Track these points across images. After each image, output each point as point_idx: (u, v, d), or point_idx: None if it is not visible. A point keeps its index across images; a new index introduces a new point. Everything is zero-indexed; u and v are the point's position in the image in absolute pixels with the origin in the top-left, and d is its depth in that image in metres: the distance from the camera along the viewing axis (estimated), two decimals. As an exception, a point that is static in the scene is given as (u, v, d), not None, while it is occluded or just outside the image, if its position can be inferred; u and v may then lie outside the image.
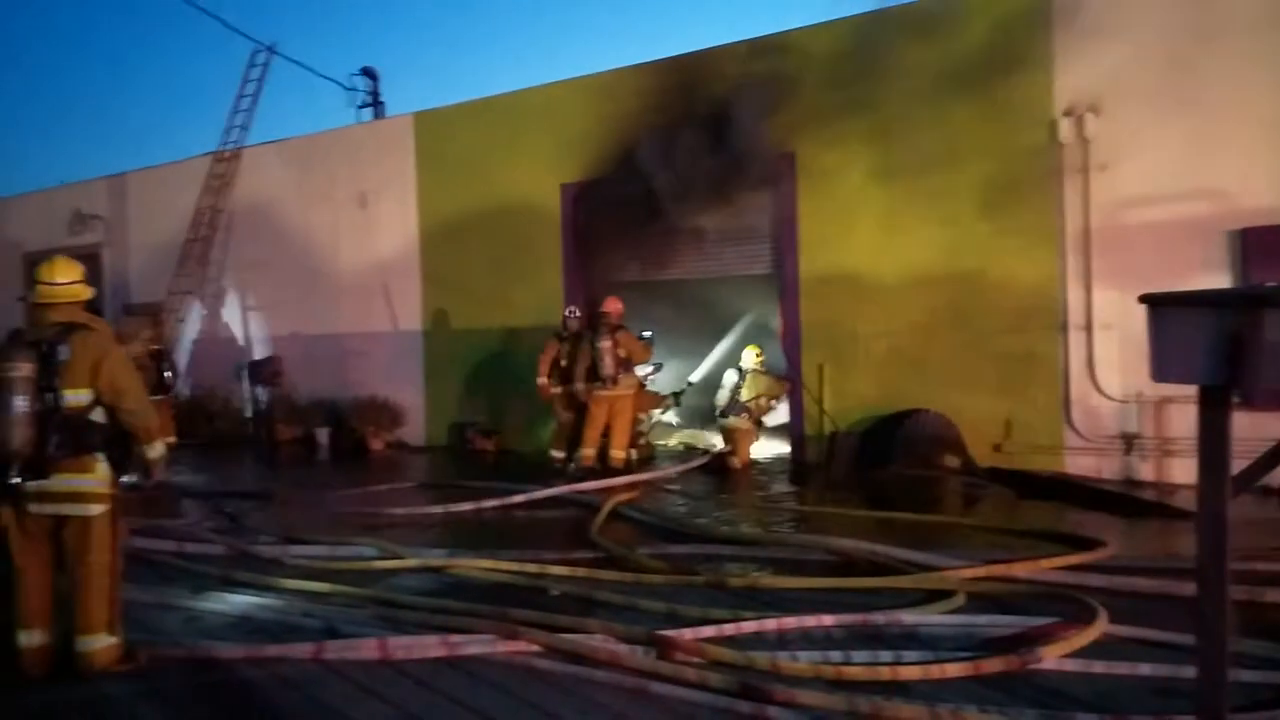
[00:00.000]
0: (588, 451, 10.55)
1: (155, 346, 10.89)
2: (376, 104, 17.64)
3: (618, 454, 10.44)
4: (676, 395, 12.40)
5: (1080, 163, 9.31)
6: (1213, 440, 2.23)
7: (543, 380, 10.83)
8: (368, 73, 17.74)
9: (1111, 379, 9.17)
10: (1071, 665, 4.18)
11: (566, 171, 12.42)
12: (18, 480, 4.11)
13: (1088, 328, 9.29)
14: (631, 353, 10.46)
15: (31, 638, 4.28)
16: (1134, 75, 9.07)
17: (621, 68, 12.22)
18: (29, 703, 4.04)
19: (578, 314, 10.99)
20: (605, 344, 10.34)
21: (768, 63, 10.89)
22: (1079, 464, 9.31)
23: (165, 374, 11.08)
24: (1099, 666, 4.16)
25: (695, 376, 13.12)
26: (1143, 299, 2.33)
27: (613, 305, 10.68)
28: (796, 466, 10.83)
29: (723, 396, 10.98)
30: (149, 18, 76.99)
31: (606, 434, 10.51)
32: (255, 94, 16.49)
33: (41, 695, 4.11)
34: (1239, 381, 2.13)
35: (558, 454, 10.84)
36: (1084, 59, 9.28)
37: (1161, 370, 2.30)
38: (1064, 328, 9.42)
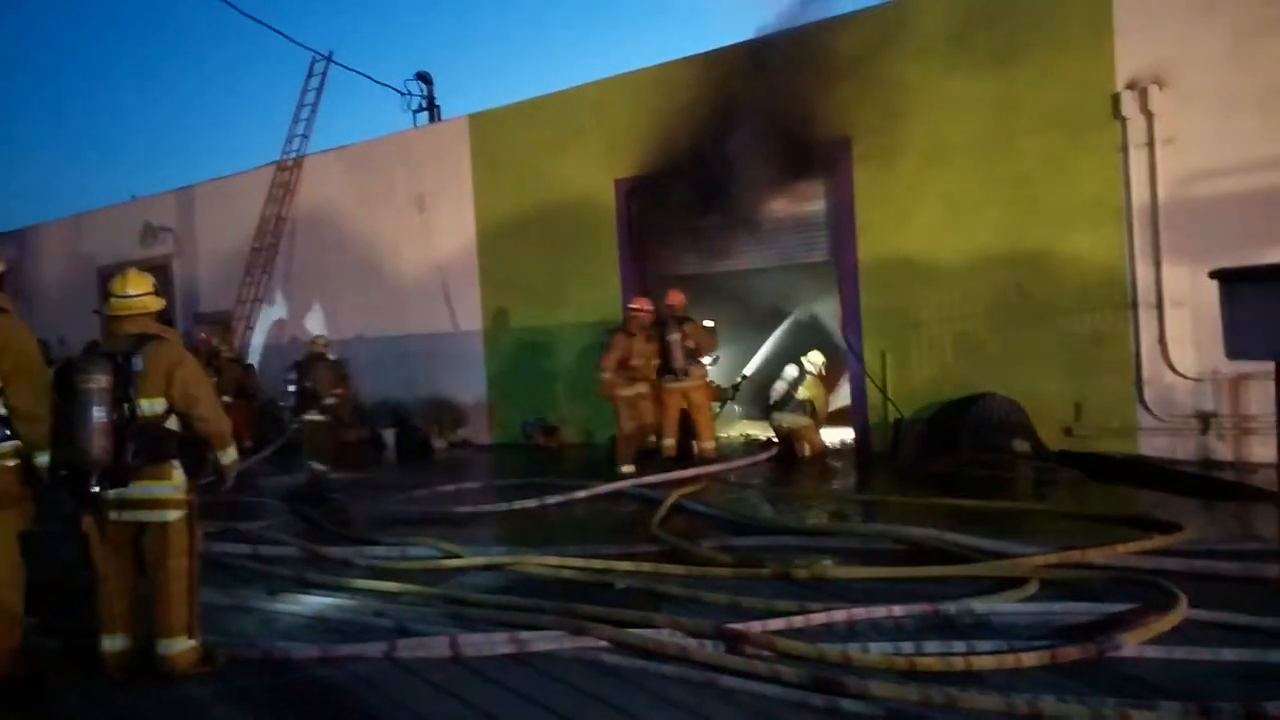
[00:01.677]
0: (668, 442, 10.56)
1: (230, 355, 11.14)
2: (432, 108, 17.78)
3: (707, 444, 10.43)
4: (734, 388, 12.33)
5: (1145, 136, 9.07)
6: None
7: (608, 375, 10.36)
8: (422, 77, 17.87)
9: (1185, 357, 8.92)
10: (1152, 652, 4.08)
11: (620, 167, 12.42)
12: (98, 489, 4.23)
13: (1158, 305, 9.05)
14: (700, 343, 10.45)
15: (114, 642, 4.40)
16: (1199, 44, 8.80)
17: (672, 60, 12.19)
18: (113, 706, 4.16)
19: (647, 308, 10.56)
20: (674, 336, 10.28)
21: (820, 46, 10.78)
22: (1153, 445, 9.08)
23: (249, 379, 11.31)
24: (1180, 653, 4.05)
25: (749, 369, 13.03)
26: (1214, 274, 2.25)
27: (675, 297, 10.66)
28: (861, 455, 10.72)
29: (779, 389, 10.88)
30: (209, 33, 78.72)
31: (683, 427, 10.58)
32: (314, 103, 16.77)
33: (125, 698, 4.22)
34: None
35: (627, 469, 9.95)
36: (1146, 30, 9.03)
37: (1236, 346, 2.23)
38: (1133, 305, 9.19)
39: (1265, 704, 3.41)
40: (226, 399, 11.77)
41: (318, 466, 10.09)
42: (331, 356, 10.72)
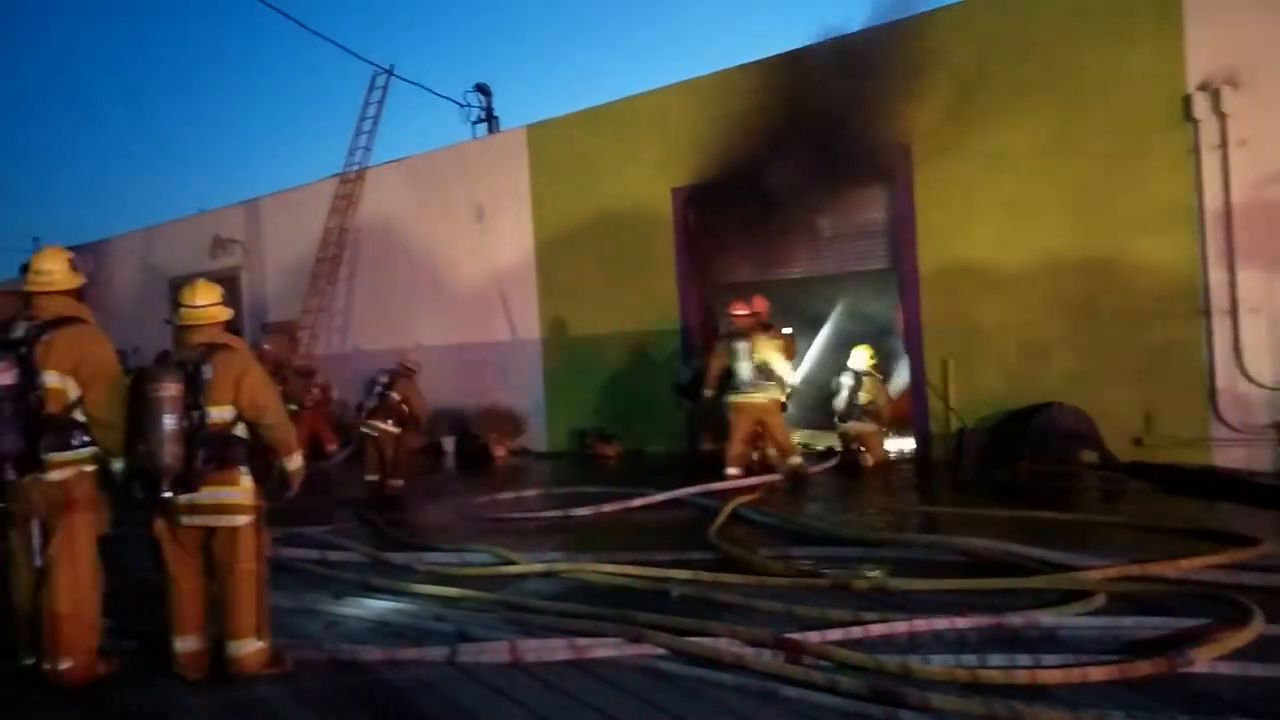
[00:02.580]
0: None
1: (297, 365, 11.35)
2: (491, 119, 18.02)
3: (793, 461, 9.91)
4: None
5: (1218, 138, 8.85)
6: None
7: (709, 392, 10.16)
8: (481, 89, 18.14)
9: (1261, 365, 8.67)
10: (1225, 668, 3.97)
11: (677, 175, 12.45)
12: (169, 494, 4.34)
13: (1233, 311, 8.81)
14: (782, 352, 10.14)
15: (186, 643, 4.51)
16: (1273, 43, 8.57)
17: (730, 67, 12.19)
18: (186, 705, 4.26)
19: (750, 312, 10.11)
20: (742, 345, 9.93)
21: (879, 53, 10.70)
22: (1228, 456, 8.82)
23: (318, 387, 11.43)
24: (1256, 669, 3.93)
25: (795, 378, 12.82)
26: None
27: (759, 304, 10.41)
28: (922, 465, 10.59)
29: (840, 401, 10.79)
30: (276, 50, 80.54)
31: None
32: (376, 115, 17.07)
33: (197, 698, 4.33)
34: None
35: (733, 471, 9.77)
36: (1218, 29, 8.82)
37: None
38: (1206, 312, 8.96)
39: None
40: (293, 407, 12.02)
41: (395, 482, 10.29)
42: (413, 369, 10.84)
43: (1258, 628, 4.21)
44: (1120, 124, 9.35)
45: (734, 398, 9.86)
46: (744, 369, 9.78)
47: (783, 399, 9.98)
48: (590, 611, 5.09)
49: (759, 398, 9.79)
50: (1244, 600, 4.57)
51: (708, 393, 10.19)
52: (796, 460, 9.95)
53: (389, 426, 10.26)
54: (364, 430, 10.39)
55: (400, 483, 10.29)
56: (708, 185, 12.14)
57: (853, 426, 10.65)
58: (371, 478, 10.32)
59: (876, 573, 5.77)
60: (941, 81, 10.21)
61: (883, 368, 11.12)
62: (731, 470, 9.77)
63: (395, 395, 10.26)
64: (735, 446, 9.90)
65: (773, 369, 9.82)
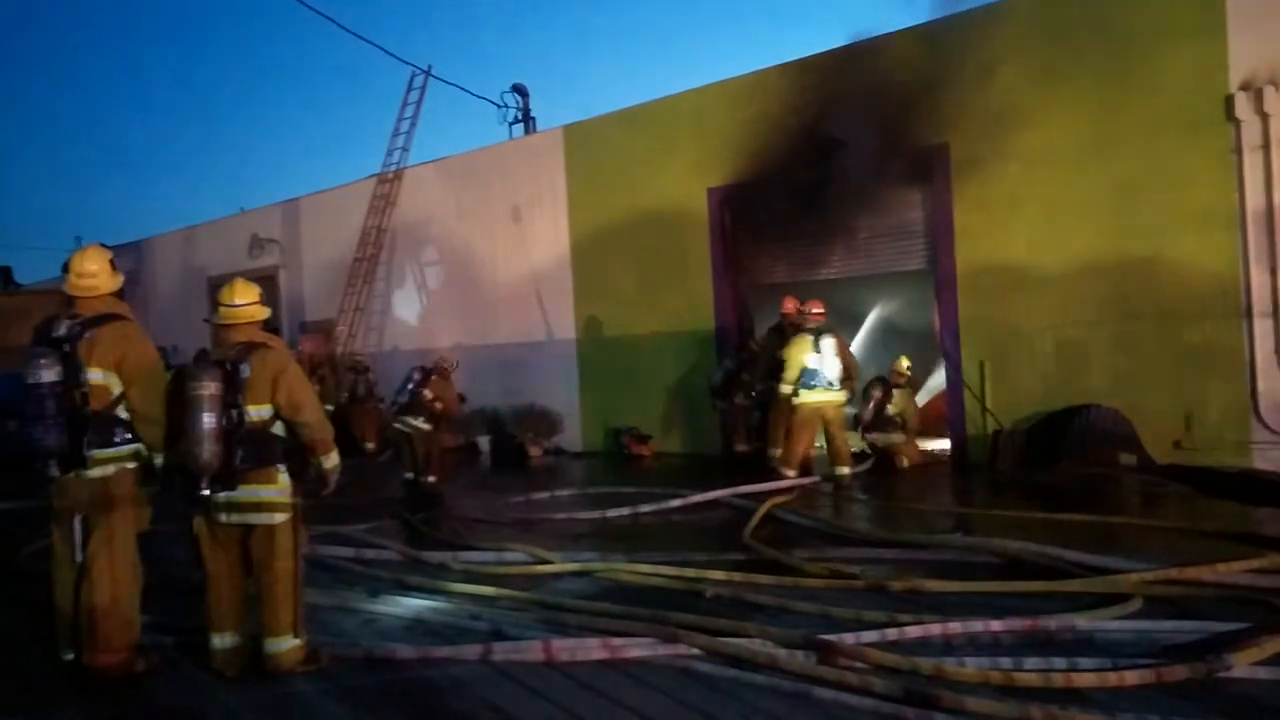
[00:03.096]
0: (776, 452, 10.26)
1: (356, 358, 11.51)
2: (527, 119, 18.10)
3: (842, 470, 9.66)
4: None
5: (1260, 139, 8.71)
6: None
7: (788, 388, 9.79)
8: (518, 90, 18.23)
9: (1309, 366, 8.52)
10: (1264, 674, 3.91)
11: (713, 175, 12.44)
12: (208, 491, 4.41)
13: (1275, 313, 8.67)
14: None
15: (224, 639, 4.58)
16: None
17: (766, 68, 12.17)
18: (223, 701, 4.33)
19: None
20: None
21: (917, 53, 10.64)
22: (1269, 459, 8.68)
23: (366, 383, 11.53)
24: (1296, 676, 3.88)
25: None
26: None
27: (791, 304, 10.59)
28: (958, 466, 10.51)
29: (868, 411, 10.72)
30: (316, 51, 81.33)
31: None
32: (414, 116, 17.20)
33: (235, 694, 4.40)
34: None
35: (790, 472, 9.60)
36: (1260, 28, 8.68)
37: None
38: (1248, 314, 8.82)
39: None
40: (329, 407, 12.15)
41: (431, 479, 10.38)
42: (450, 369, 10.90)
43: (1299, 633, 4.15)
44: (1161, 124, 9.22)
45: (810, 396, 9.57)
46: (830, 367, 9.55)
47: (840, 404, 9.76)
48: (625, 611, 5.11)
49: (837, 398, 9.61)
50: (1284, 605, 4.51)
51: (786, 389, 9.72)
52: (846, 470, 9.65)
53: (421, 424, 10.34)
54: (397, 427, 10.48)
55: (435, 480, 10.37)
56: (744, 185, 12.12)
57: (879, 438, 10.50)
58: (408, 475, 10.42)
59: (859, 569, 5.80)
60: (980, 81, 10.12)
61: (917, 376, 11.02)
62: (789, 472, 9.53)
63: (428, 393, 10.34)
64: (800, 447, 9.65)
65: (851, 371, 9.68)
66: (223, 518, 4.52)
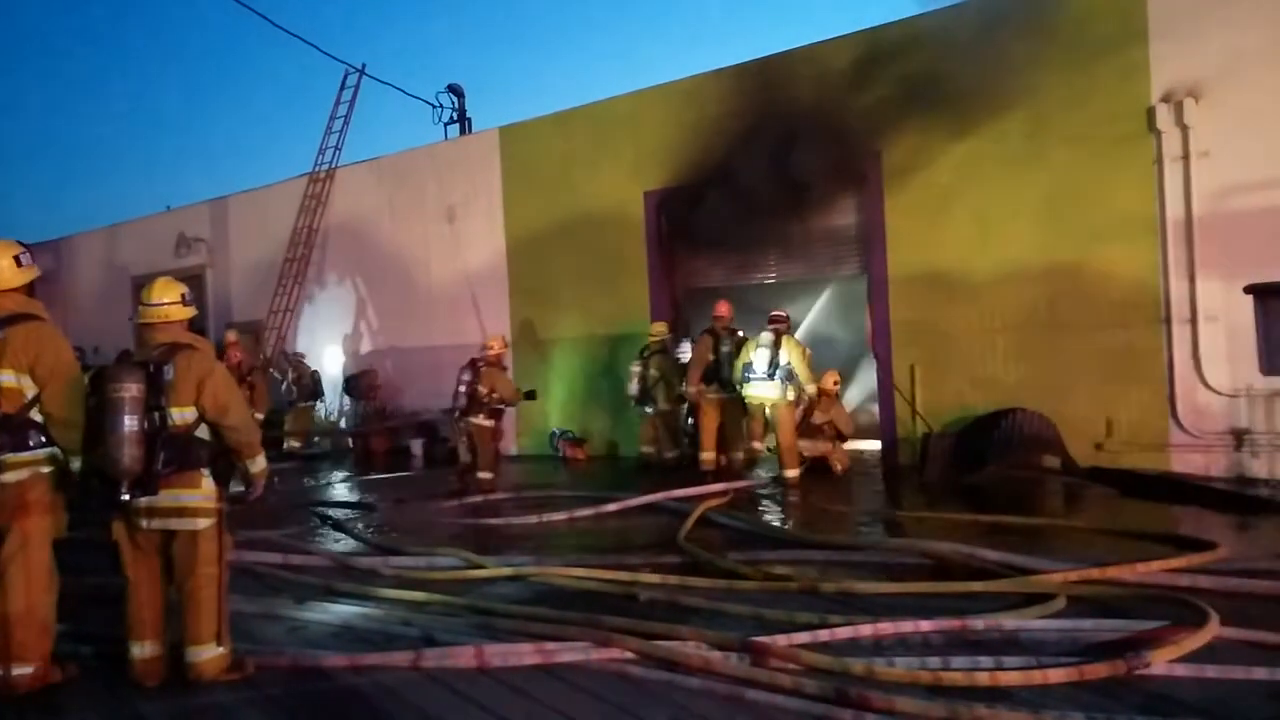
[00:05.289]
0: (706, 455, 10.70)
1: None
2: (463, 120, 17.94)
3: (789, 473, 10.02)
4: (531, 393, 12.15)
5: (1180, 150, 8.99)
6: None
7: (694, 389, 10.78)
8: (454, 90, 18.06)
9: (1219, 372, 8.81)
10: (1182, 670, 4.02)
11: (650, 179, 12.47)
12: (128, 497, 4.27)
13: (1192, 320, 8.95)
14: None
15: (144, 649, 4.43)
16: (1236, 57, 8.71)
17: (703, 73, 12.23)
18: (143, 712, 4.20)
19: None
20: (727, 348, 10.52)
21: (851, 61, 10.78)
22: (1186, 462, 8.97)
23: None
24: (1211, 671, 3.99)
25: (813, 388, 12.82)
26: (1250, 289, 2.25)
27: (724, 308, 10.88)
28: (888, 469, 10.66)
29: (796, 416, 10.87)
30: (245, 46, 79.82)
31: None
32: (347, 115, 16.96)
33: (154, 704, 4.26)
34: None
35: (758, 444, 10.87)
36: (1181, 42, 8.96)
37: (1273, 362, 2.22)
38: (1167, 321, 9.10)
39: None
40: (259, 416, 11.89)
41: (484, 475, 10.26)
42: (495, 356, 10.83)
43: (1213, 630, 4.28)
44: (1086, 135, 9.47)
45: (748, 390, 10.17)
46: (762, 361, 10.03)
47: (793, 399, 10.19)
48: (558, 616, 5.08)
49: (771, 394, 10.03)
50: (1200, 603, 4.64)
51: (690, 389, 10.65)
52: (793, 473, 9.98)
53: (482, 421, 10.32)
54: (461, 427, 10.55)
55: (490, 475, 10.38)
56: (680, 189, 12.17)
57: (808, 446, 10.56)
58: (485, 474, 10.48)
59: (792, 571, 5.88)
60: (912, 90, 10.29)
61: (843, 387, 11.12)
62: (756, 444, 10.63)
63: (482, 388, 10.26)
64: (755, 427, 10.64)
65: (794, 371, 10.03)
66: (143, 523, 4.38)
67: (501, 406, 10.47)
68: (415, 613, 5.42)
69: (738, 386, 10.26)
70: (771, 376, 9.98)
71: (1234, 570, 5.46)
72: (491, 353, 10.66)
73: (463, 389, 10.38)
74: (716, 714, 3.90)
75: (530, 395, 10.97)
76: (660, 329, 11.58)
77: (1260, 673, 3.96)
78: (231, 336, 14.60)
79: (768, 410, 10.18)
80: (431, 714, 4.03)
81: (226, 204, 18.41)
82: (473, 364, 10.50)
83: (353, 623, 5.34)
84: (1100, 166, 9.41)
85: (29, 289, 4.60)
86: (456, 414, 10.57)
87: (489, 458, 10.47)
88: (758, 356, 10.06)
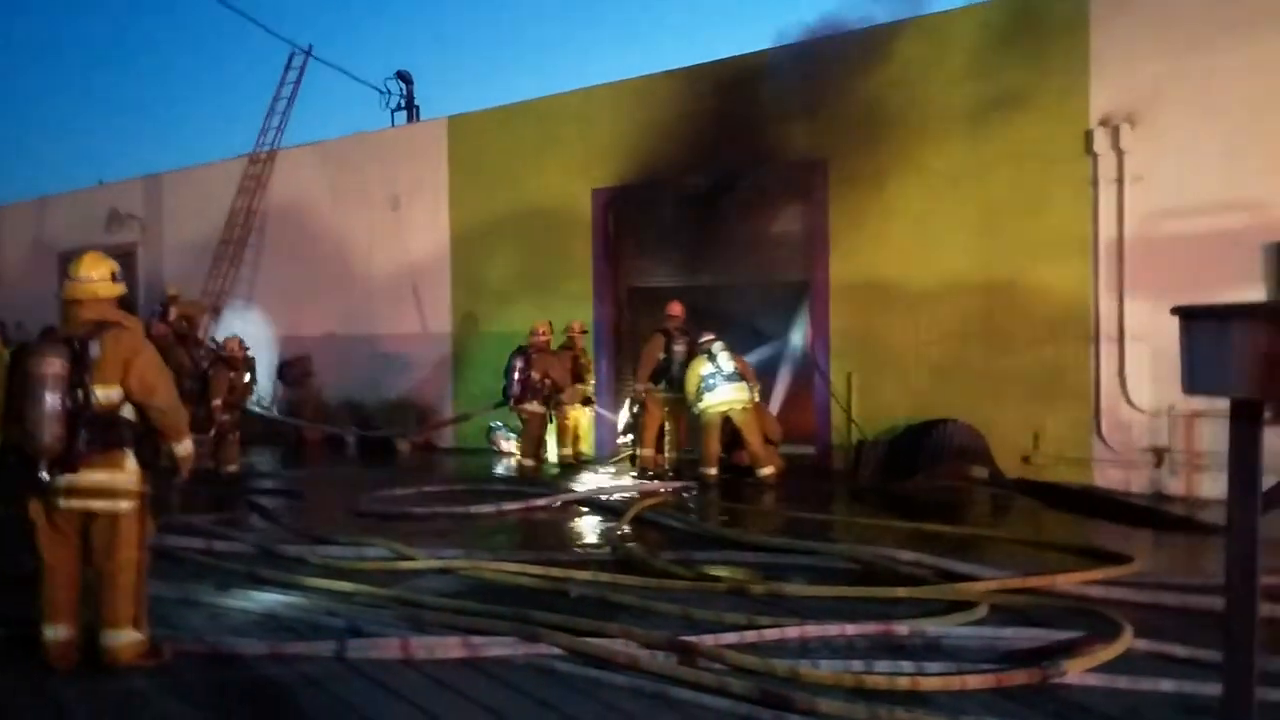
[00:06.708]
0: (645, 452, 10.78)
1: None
2: (410, 108, 17.75)
3: (765, 470, 10.09)
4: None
5: (1115, 172, 9.22)
6: (1243, 454, 2.20)
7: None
8: (402, 76, 17.86)
9: (1142, 391, 9.06)
10: (1095, 680, 4.12)
11: (598, 177, 12.45)
12: (47, 475, 4.16)
13: (1119, 339, 9.19)
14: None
15: (58, 632, 4.32)
16: (1171, 86, 8.96)
17: (654, 74, 12.25)
18: (56, 695, 4.09)
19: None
20: (679, 348, 10.56)
21: (799, 69, 10.88)
22: (1108, 477, 9.21)
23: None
24: (1123, 682, 4.10)
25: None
26: (1175, 310, 2.32)
27: (676, 308, 10.91)
28: (822, 474, 10.77)
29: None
30: (186, 20, 77.94)
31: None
32: (291, 96, 16.67)
33: (69, 688, 4.16)
34: (1271, 396, 2.11)
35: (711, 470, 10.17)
36: (1120, 68, 9.20)
37: (1193, 382, 2.29)
38: (1095, 339, 9.32)
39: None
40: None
41: (527, 462, 10.19)
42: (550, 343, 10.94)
43: (1126, 641, 4.40)
44: (1026, 153, 9.66)
45: (712, 400, 10.04)
46: (726, 366, 10.06)
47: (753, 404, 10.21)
48: (487, 610, 5.05)
49: (739, 397, 10.03)
50: (1115, 615, 4.77)
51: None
52: (768, 471, 10.06)
53: (535, 407, 10.43)
54: (519, 415, 10.72)
55: (533, 464, 10.64)
56: (629, 189, 12.18)
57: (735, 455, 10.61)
58: (528, 461, 10.74)
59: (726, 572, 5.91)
60: (858, 102, 10.43)
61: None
62: (710, 470, 10.08)
63: (535, 374, 10.18)
64: (712, 446, 10.16)
65: (748, 375, 10.20)
66: (62, 503, 4.27)
67: (554, 390, 10.65)
68: (341, 603, 5.35)
69: (699, 397, 10.11)
70: (740, 378, 10.04)
71: (1148, 584, 5.61)
72: (540, 338, 10.65)
73: (516, 376, 10.38)
74: (642, 711, 3.91)
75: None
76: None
77: (1167, 684, 4.08)
78: (173, 290, 14.27)
79: (736, 416, 10.02)
80: (354, 705, 3.99)
81: (161, 181, 17.98)
82: (523, 351, 10.56)
83: (276, 611, 5.26)
84: (1039, 184, 9.61)
85: None
86: (511, 402, 10.75)
87: (532, 444, 10.75)
88: (721, 360, 10.04)
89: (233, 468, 10.82)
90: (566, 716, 3.87)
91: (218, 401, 10.59)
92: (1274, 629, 4.39)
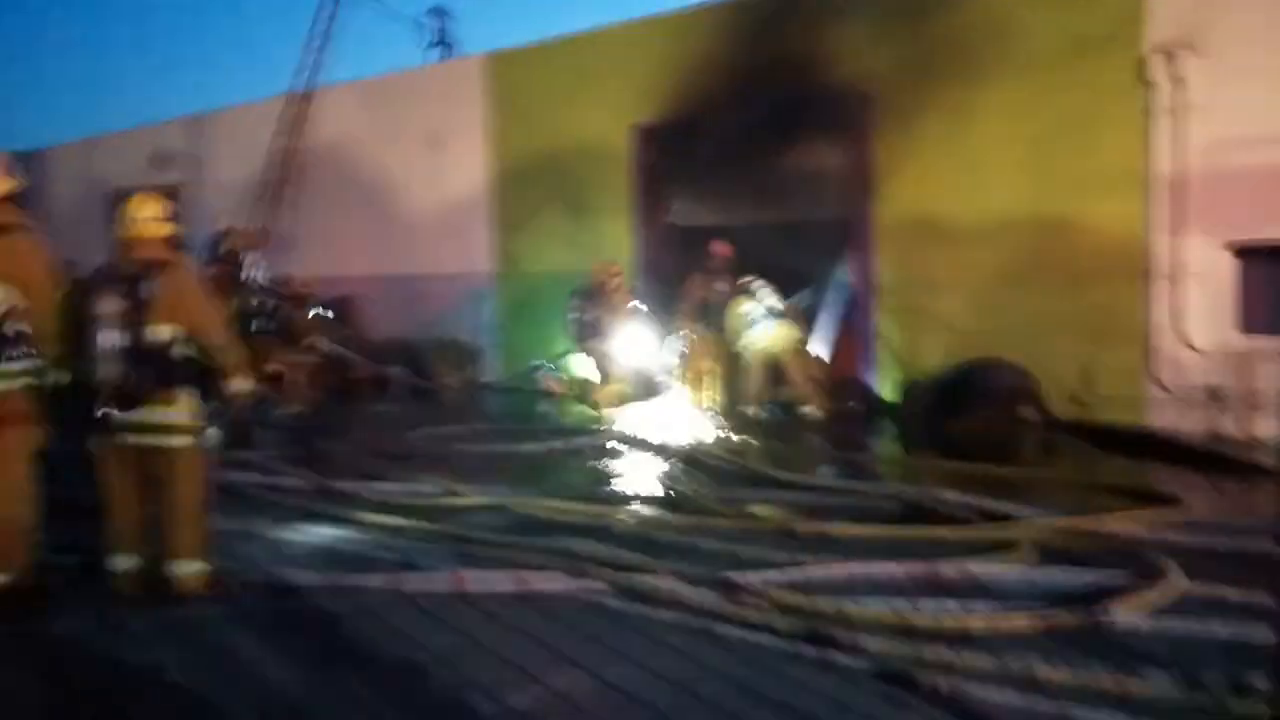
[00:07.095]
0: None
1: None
2: (445, 44, 17.58)
3: (806, 408, 10.17)
4: None
5: (1171, 103, 8.92)
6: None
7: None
8: (438, 11, 17.66)
9: (1196, 330, 8.86)
10: (1144, 622, 4.12)
11: (637, 113, 12.30)
12: (107, 411, 4.26)
13: (1174, 277, 8.98)
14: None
15: (125, 561, 4.48)
16: (1232, 11, 8.61)
17: (696, 7, 12.00)
18: (124, 623, 4.24)
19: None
20: (722, 286, 10.57)
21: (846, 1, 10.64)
22: (1161, 417, 9.06)
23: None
24: (1172, 624, 4.09)
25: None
26: (1231, 248, 2.26)
27: (726, 249, 10.89)
28: (871, 416, 10.71)
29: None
30: (225, -42, 77.57)
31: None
32: (326, 32, 16.49)
33: (137, 615, 4.31)
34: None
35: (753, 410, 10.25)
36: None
37: (1250, 322, 2.24)
38: (1149, 276, 9.12)
39: (1250, 676, 3.45)
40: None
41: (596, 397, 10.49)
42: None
43: (1174, 584, 4.38)
44: (1078, 84, 9.36)
45: (754, 335, 10.08)
46: (768, 300, 10.15)
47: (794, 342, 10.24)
48: (534, 545, 5.14)
49: (781, 334, 10.09)
50: (1165, 558, 4.73)
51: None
52: (812, 408, 10.11)
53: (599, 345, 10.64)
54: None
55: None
56: (668, 125, 12.02)
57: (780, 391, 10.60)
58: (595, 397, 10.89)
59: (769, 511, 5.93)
60: (906, 34, 10.18)
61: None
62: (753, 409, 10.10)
63: (600, 313, 10.62)
64: (756, 386, 10.21)
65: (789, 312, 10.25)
66: (122, 439, 4.38)
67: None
68: (395, 538, 5.47)
69: (741, 335, 10.14)
70: (783, 316, 10.07)
71: (1199, 526, 5.57)
72: (613, 278, 10.81)
73: (577, 315, 10.48)
74: (687, 646, 3.97)
75: None
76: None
77: (1219, 628, 4.05)
78: (226, 223, 14.29)
79: (780, 355, 10.06)
80: (407, 635, 4.09)
81: (203, 121, 18.06)
82: (583, 294, 10.74)
83: (333, 545, 5.39)
84: (1090, 118, 9.32)
85: (15, 200, 4.51)
86: (581, 340, 11.01)
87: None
88: (763, 296, 10.05)
89: (299, 407, 11.02)
90: (613, 649, 3.94)
91: (309, 340, 10.78)
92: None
